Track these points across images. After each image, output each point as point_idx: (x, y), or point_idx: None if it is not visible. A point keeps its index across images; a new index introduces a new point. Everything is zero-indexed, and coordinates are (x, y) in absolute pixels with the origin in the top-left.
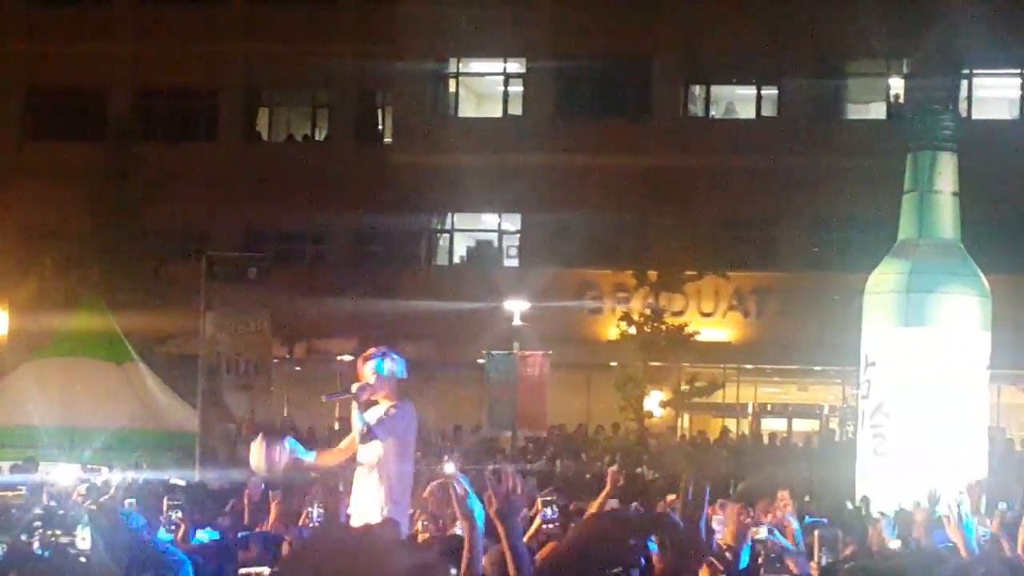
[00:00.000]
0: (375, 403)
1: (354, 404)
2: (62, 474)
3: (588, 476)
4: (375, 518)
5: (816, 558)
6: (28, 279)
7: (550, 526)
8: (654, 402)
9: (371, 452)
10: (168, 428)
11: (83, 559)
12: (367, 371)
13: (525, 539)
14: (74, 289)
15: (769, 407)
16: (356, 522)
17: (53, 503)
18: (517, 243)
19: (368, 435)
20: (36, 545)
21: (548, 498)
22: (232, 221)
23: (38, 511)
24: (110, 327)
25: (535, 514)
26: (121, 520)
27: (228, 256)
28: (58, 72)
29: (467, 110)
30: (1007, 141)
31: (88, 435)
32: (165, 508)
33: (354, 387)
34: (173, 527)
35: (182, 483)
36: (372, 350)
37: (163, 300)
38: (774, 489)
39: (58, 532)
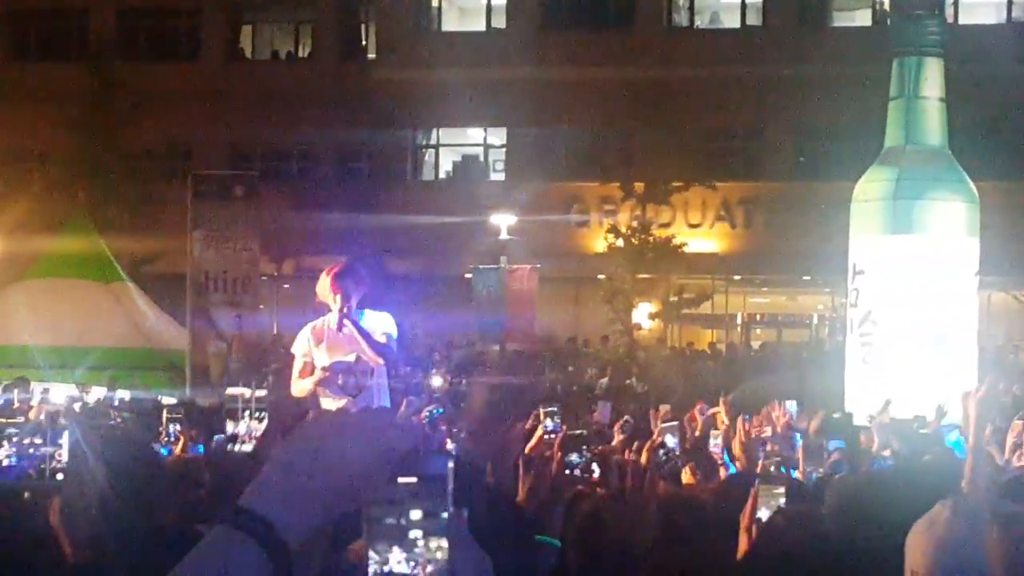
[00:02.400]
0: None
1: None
2: (55, 393)
3: (576, 388)
4: None
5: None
6: (15, 202)
7: (552, 436)
8: (643, 314)
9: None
10: (158, 347)
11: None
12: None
13: (527, 449)
14: (61, 211)
15: (758, 317)
16: None
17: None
18: (503, 157)
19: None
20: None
21: (550, 409)
22: (217, 140)
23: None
24: (98, 248)
25: (536, 425)
26: (116, 433)
27: (214, 175)
28: None
29: (450, 24)
30: (994, 46)
31: (79, 354)
32: (164, 421)
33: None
34: (172, 440)
35: (172, 401)
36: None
37: (150, 220)
38: (765, 400)
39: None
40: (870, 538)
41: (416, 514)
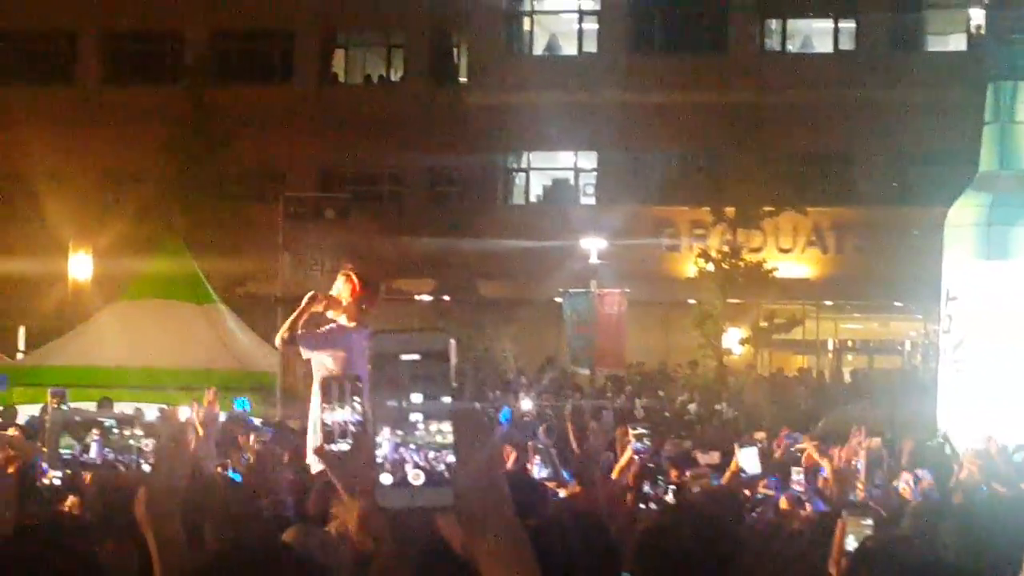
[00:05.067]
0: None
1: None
2: (143, 413)
3: (667, 414)
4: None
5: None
6: (110, 223)
7: (640, 456)
8: (733, 339)
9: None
10: (248, 368)
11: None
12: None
13: (616, 470)
14: (154, 232)
15: (850, 343)
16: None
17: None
18: (593, 181)
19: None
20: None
21: (640, 431)
22: (309, 163)
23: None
24: (190, 269)
25: (625, 446)
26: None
27: (305, 197)
28: (134, 16)
29: (541, 48)
30: None
31: (169, 375)
32: (252, 442)
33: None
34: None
35: (257, 421)
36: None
37: (242, 242)
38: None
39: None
40: (995, 564)
41: (418, 397)
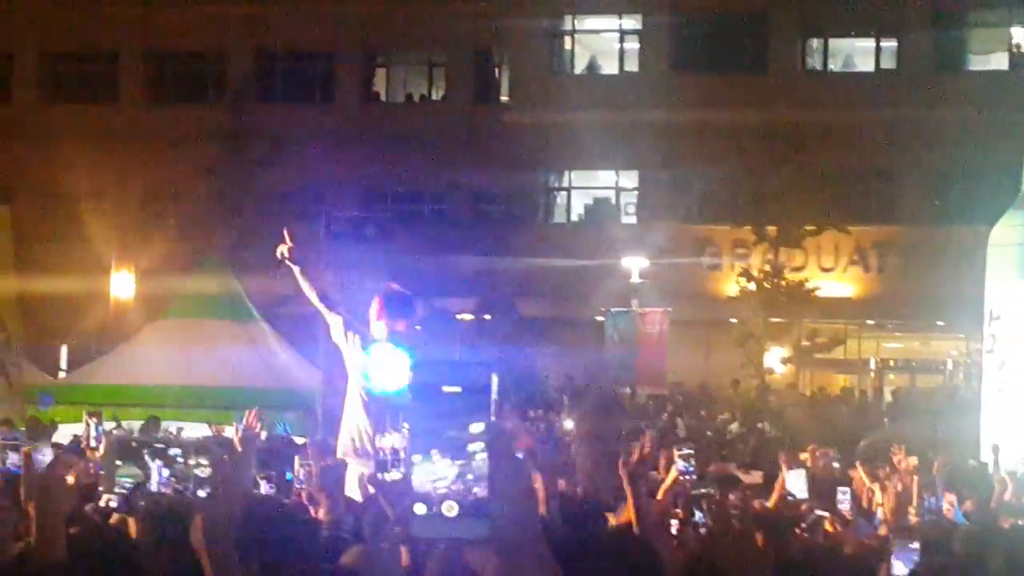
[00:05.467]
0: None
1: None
2: (188, 432)
3: (709, 433)
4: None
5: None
6: (152, 242)
7: (686, 478)
8: (774, 359)
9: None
10: (291, 386)
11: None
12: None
13: (661, 492)
14: (197, 250)
15: (891, 362)
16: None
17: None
18: (635, 200)
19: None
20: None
21: (686, 451)
22: (351, 181)
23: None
24: (232, 288)
25: (668, 466)
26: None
27: (346, 216)
28: (177, 36)
29: (583, 67)
30: None
31: (211, 394)
32: (296, 465)
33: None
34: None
35: (301, 440)
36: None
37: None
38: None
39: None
40: None
41: (457, 431)
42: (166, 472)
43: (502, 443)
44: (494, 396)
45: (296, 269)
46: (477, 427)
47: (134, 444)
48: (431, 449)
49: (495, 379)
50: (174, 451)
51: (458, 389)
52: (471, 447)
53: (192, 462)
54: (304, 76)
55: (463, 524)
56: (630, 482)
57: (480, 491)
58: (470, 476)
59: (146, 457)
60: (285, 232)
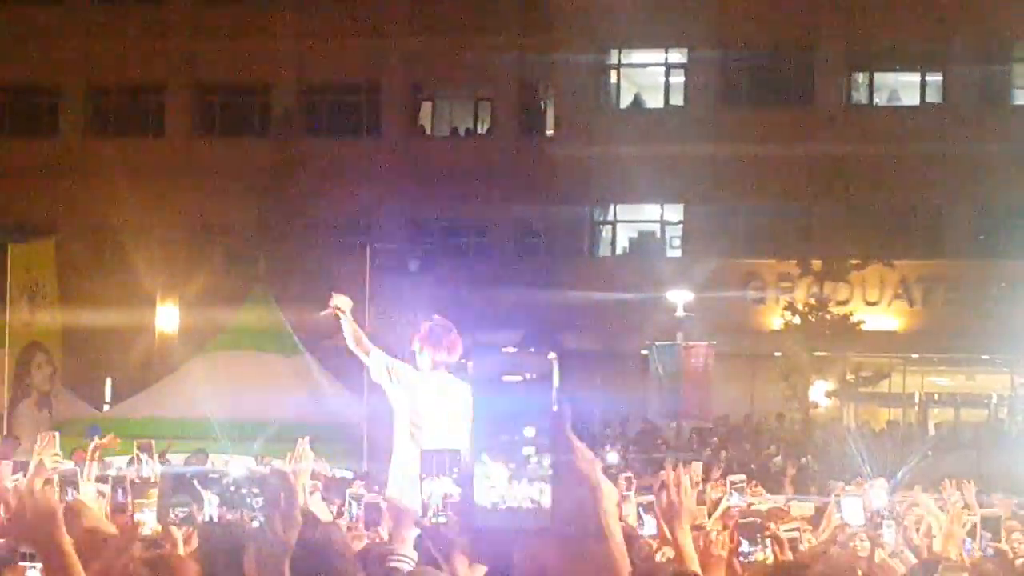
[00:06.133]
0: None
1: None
2: (234, 466)
3: (753, 467)
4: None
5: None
6: (197, 275)
7: (736, 508)
8: (819, 392)
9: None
10: (336, 420)
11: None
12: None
13: (712, 521)
14: (242, 283)
15: (936, 396)
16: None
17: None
18: (680, 233)
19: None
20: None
21: (738, 482)
22: (396, 214)
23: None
24: (278, 321)
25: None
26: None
27: (390, 248)
28: (223, 69)
29: (628, 100)
30: None
31: (258, 427)
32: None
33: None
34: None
35: (349, 474)
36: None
37: (329, 293)
38: (939, 479)
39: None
40: None
41: (528, 429)
42: (216, 500)
43: (564, 433)
44: (556, 383)
45: (345, 322)
46: (544, 423)
47: (187, 476)
48: (500, 451)
49: (556, 364)
50: (227, 480)
51: (519, 378)
52: (526, 450)
53: (244, 491)
54: (349, 109)
55: (525, 515)
56: (666, 520)
57: (545, 489)
58: (539, 476)
59: (197, 487)
60: (334, 297)
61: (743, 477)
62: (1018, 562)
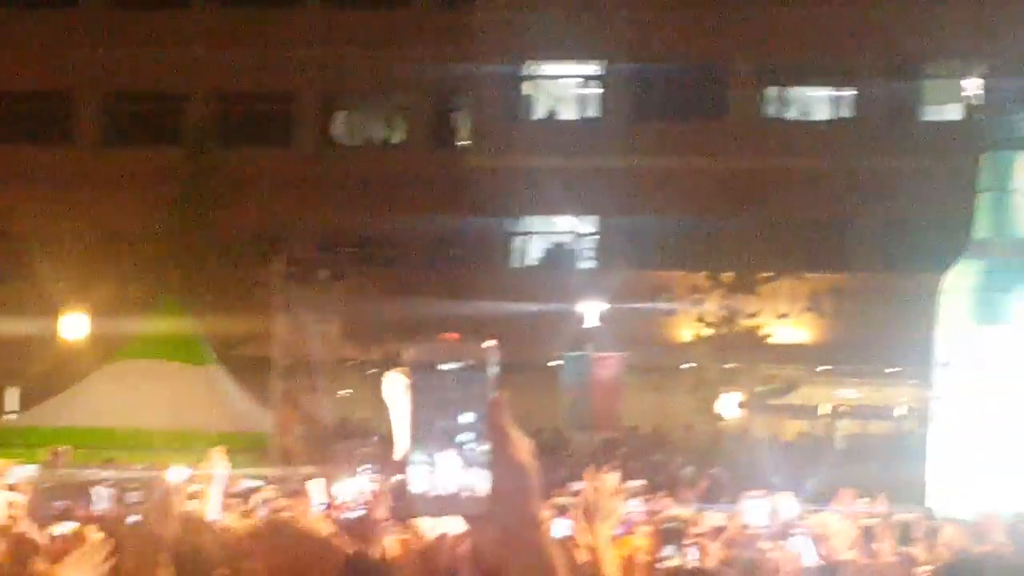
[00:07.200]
0: None
1: None
2: (138, 472)
3: (662, 478)
4: None
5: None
6: (108, 283)
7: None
8: (729, 404)
9: None
10: (244, 430)
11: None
12: None
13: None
14: (153, 292)
15: (844, 409)
16: None
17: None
18: (593, 245)
19: None
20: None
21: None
22: (309, 225)
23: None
24: (188, 330)
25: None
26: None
27: (302, 258)
28: (136, 77)
29: (543, 113)
30: None
31: (163, 436)
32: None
33: None
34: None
35: (258, 482)
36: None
37: (240, 303)
38: (846, 489)
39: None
40: None
41: (466, 416)
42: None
43: (501, 421)
44: (493, 370)
45: None
46: (464, 417)
47: (81, 480)
48: (438, 439)
49: (494, 351)
50: (110, 483)
51: (456, 365)
52: (461, 437)
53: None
54: (262, 119)
55: (462, 502)
56: (587, 520)
57: (483, 475)
58: (478, 462)
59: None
60: None
61: (642, 482)
62: (921, 569)
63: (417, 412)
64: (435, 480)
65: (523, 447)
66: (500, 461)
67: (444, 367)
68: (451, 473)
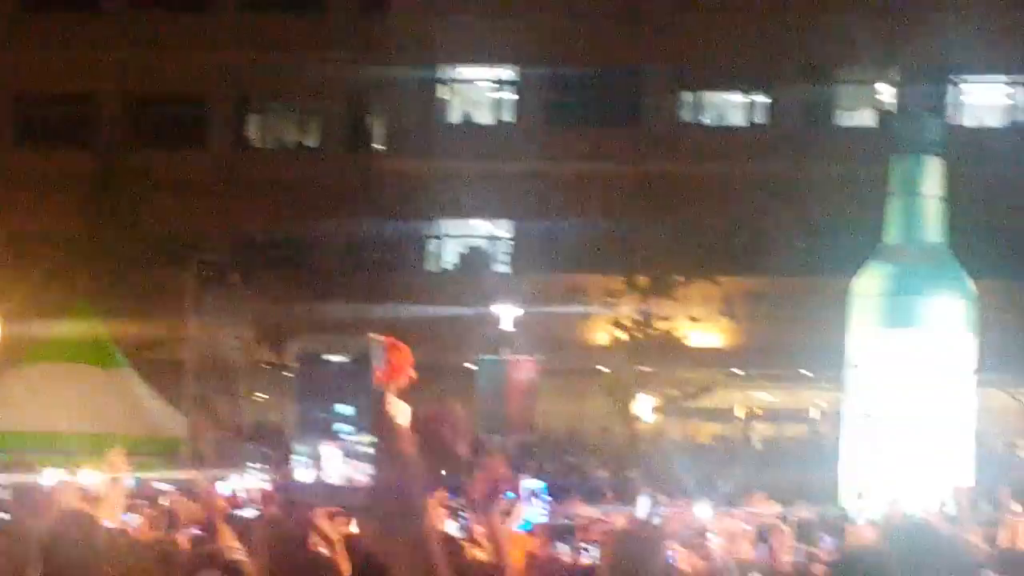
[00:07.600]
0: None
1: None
2: (46, 477)
3: (576, 480)
4: None
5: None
6: (17, 285)
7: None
8: (644, 407)
9: None
10: (155, 433)
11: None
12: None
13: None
14: (63, 295)
15: (759, 412)
16: None
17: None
18: (508, 249)
19: None
20: None
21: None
22: (223, 228)
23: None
24: (99, 333)
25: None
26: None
27: (215, 262)
28: (48, 79)
29: (459, 117)
30: (997, 148)
31: (75, 440)
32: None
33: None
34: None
35: (168, 487)
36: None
37: (152, 306)
38: (760, 492)
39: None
40: None
41: (344, 407)
42: None
43: (384, 413)
44: (376, 364)
45: None
46: (347, 409)
47: None
48: (319, 428)
49: (378, 346)
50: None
51: (341, 358)
52: (346, 428)
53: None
54: (175, 121)
55: (345, 493)
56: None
57: (365, 467)
58: (358, 453)
59: None
60: None
61: (540, 483)
62: (820, 567)
63: (300, 403)
64: (317, 471)
65: (407, 439)
66: (383, 453)
67: (329, 359)
68: (333, 464)
